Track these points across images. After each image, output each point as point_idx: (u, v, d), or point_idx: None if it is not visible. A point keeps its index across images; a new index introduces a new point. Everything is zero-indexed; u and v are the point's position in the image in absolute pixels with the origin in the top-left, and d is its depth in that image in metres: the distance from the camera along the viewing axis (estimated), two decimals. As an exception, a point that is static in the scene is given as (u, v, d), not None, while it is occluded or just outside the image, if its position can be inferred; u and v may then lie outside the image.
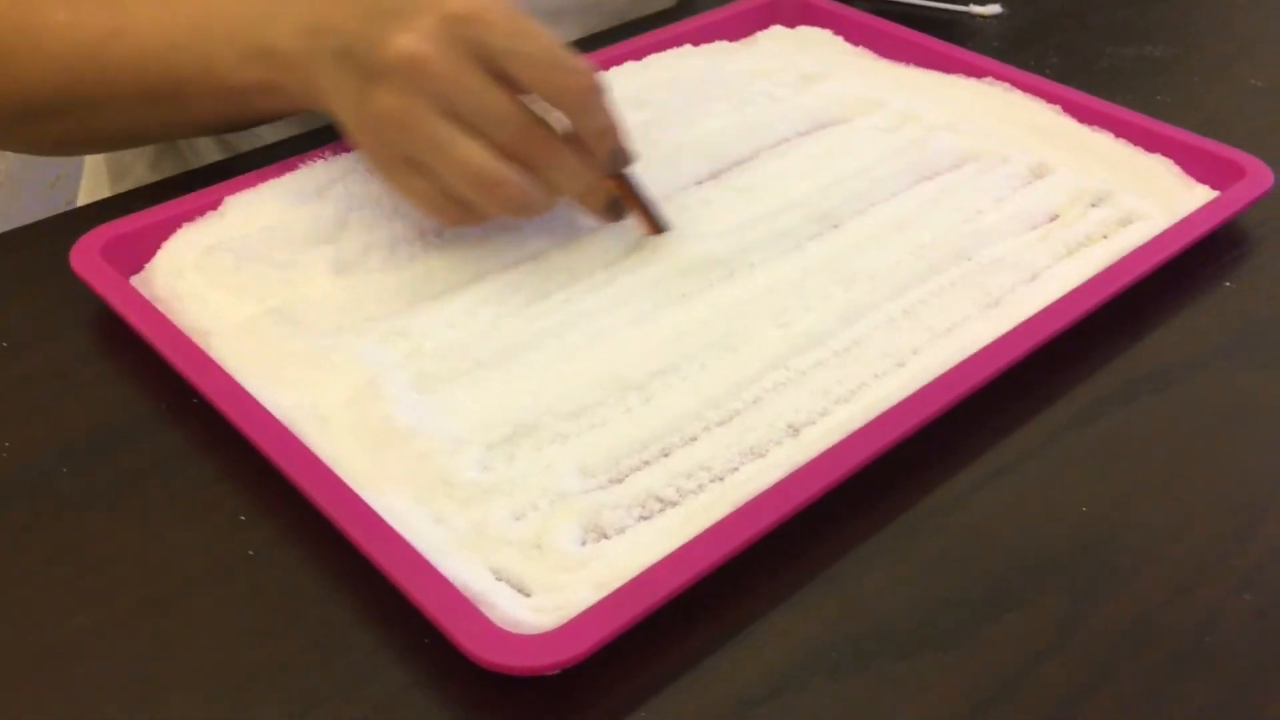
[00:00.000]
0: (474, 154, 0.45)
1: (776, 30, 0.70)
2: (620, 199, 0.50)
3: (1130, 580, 0.39)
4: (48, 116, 0.57)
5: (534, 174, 0.47)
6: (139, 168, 0.71)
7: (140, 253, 0.51)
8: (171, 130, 0.59)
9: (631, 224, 0.51)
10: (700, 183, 0.56)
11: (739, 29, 0.69)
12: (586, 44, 0.68)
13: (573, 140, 0.47)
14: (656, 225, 0.51)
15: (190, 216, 0.52)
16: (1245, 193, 0.54)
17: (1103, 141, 0.59)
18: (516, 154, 0.46)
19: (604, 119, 0.47)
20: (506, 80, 0.45)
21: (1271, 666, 0.36)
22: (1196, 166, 0.57)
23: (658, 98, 0.62)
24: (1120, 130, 0.59)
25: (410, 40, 0.44)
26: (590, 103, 0.46)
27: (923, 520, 0.41)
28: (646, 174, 0.55)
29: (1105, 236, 0.53)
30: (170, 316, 0.47)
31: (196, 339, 0.46)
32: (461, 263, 0.50)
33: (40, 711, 0.35)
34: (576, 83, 0.46)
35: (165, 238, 0.51)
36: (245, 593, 0.38)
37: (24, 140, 0.60)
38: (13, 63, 0.55)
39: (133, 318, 0.46)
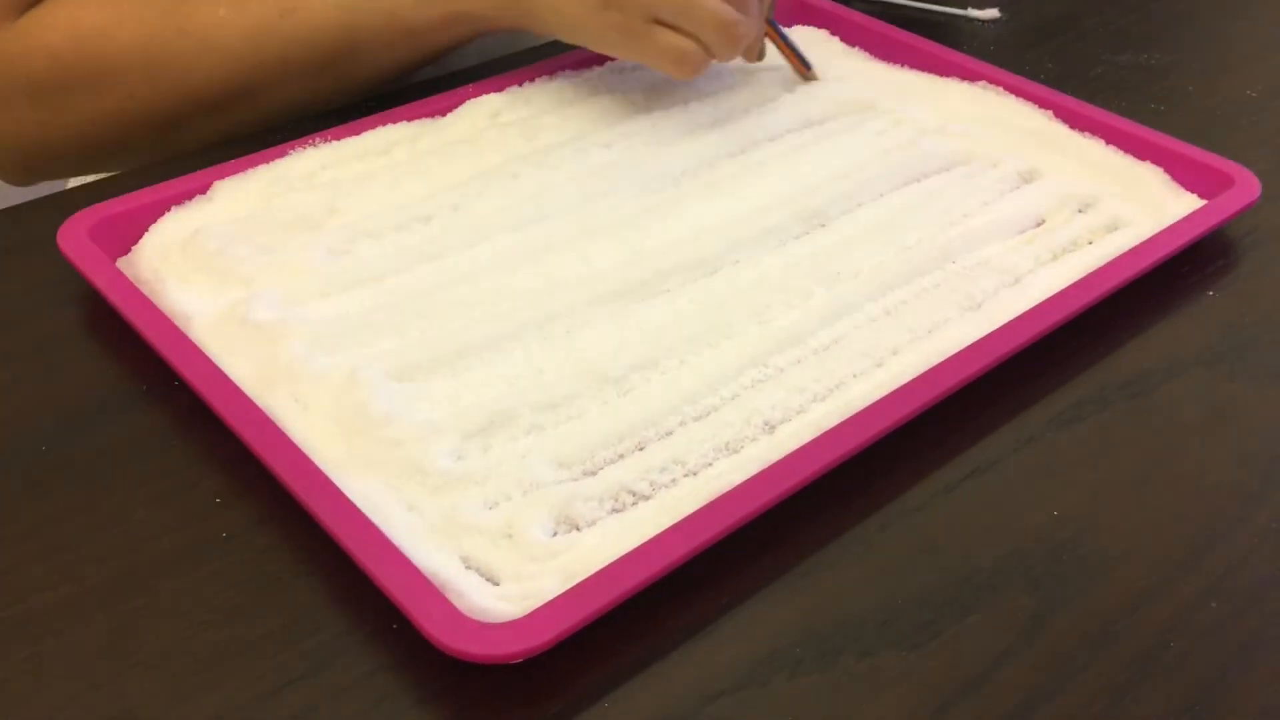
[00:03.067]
0: (712, 3, 0.55)
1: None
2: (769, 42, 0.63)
3: (1096, 584, 0.39)
4: (216, 111, 0.59)
5: (746, 17, 0.56)
6: None
7: (127, 235, 0.51)
8: (340, 93, 0.61)
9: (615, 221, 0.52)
10: (688, 179, 0.56)
11: (735, 27, 0.69)
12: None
13: None
14: (803, 65, 0.63)
15: (179, 200, 0.52)
16: (1232, 202, 0.54)
17: (1093, 148, 0.59)
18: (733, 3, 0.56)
19: None
20: None
21: (1234, 675, 0.36)
22: (1186, 175, 0.57)
23: (644, 95, 0.62)
24: (1111, 137, 0.59)
25: None
26: None
27: (893, 520, 0.41)
28: (635, 169, 0.56)
29: (1091, 242, 0.53)
30: (154, 299, 0.47)
31: (179, 322, 0.46)
32: (447, 253, 0.50)
33: (7, 684, 0.35)
34: None
35: (153, 220, 0.51)
36: (217, 573, 0.38)
37: (191, 138, 0.61)
38: (183, 65, 0.58)
39: (116, 299, 0.46)
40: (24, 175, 0.64)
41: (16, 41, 0.58)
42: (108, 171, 0.65)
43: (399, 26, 0.58)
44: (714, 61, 0.58)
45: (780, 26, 0.63)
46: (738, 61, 0.63)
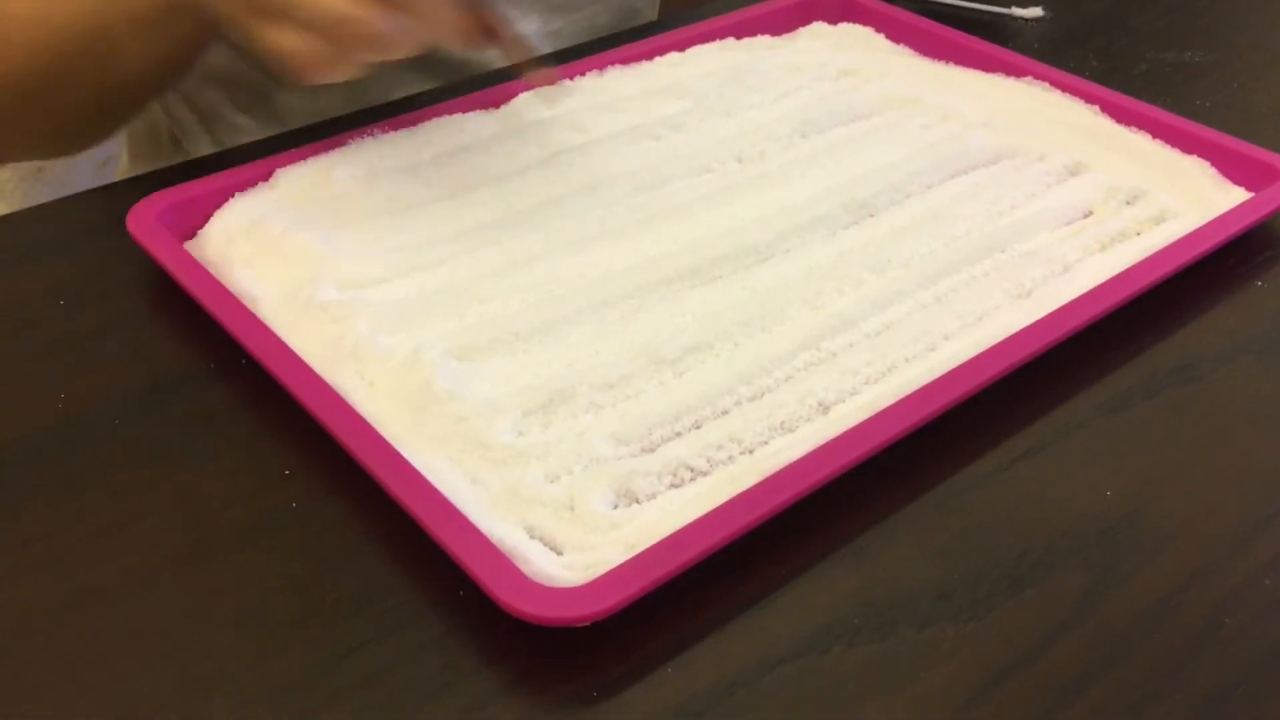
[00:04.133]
0: None
1: (818, 26, 0.71)
2: (487, 32, 0.51)
3: (1150, 562, 0.39)
4: (21, 104, 0.59)
5: (393, 14, 0.47)
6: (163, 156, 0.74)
7: (194, 219, 0.52)
8: (125, 86, 0.60)
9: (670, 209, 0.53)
10: (738, 171, 0.57)
11: (782, 24, 0.70)
12: (629, 36, 0.70)
13: None
14: (528, 52, 0.53)
15: (243, 187, 0.54)
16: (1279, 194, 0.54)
17: (1139, 142, 0.60)
18: None
19: None
20: None
21: (1288, 650, 0.37)
22: (1232, 168, 0.57)
23: (698, 88, 0.63)
24: (1157, 131, 0.60)
25: None
26: None
27: (948, 498, 0.42)
28: (688, 160, 0.57)
29: (1139, 233, 0.54)
30: (221, 280, 0.48)
31: (245, 302, 0.47)
32: (503, 240, 0.51)
33: (85, 649, 0.36)
34: None
35: (218, 206, 0.53)
36: (287, 543, 0.40)
37: (6, 137, 0.62)
38: None
39: (185, 279, 0.48)
40: None
41: None
42: None
43: (132, 17, 0.55)
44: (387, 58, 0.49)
45: (497, 11, 0.52)
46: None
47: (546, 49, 0.70)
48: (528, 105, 0.60)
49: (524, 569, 0.36)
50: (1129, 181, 0.57)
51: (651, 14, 0.81)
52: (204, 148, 0.71)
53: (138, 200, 0.51)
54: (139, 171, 0.76)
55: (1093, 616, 0.38)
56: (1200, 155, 0.58)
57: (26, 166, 1.08)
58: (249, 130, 0.70)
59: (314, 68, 0.48)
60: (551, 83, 0.55)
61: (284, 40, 0.47)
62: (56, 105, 0.60)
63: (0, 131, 0.62)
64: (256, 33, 0.48)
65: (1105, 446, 0.44)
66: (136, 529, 0.40)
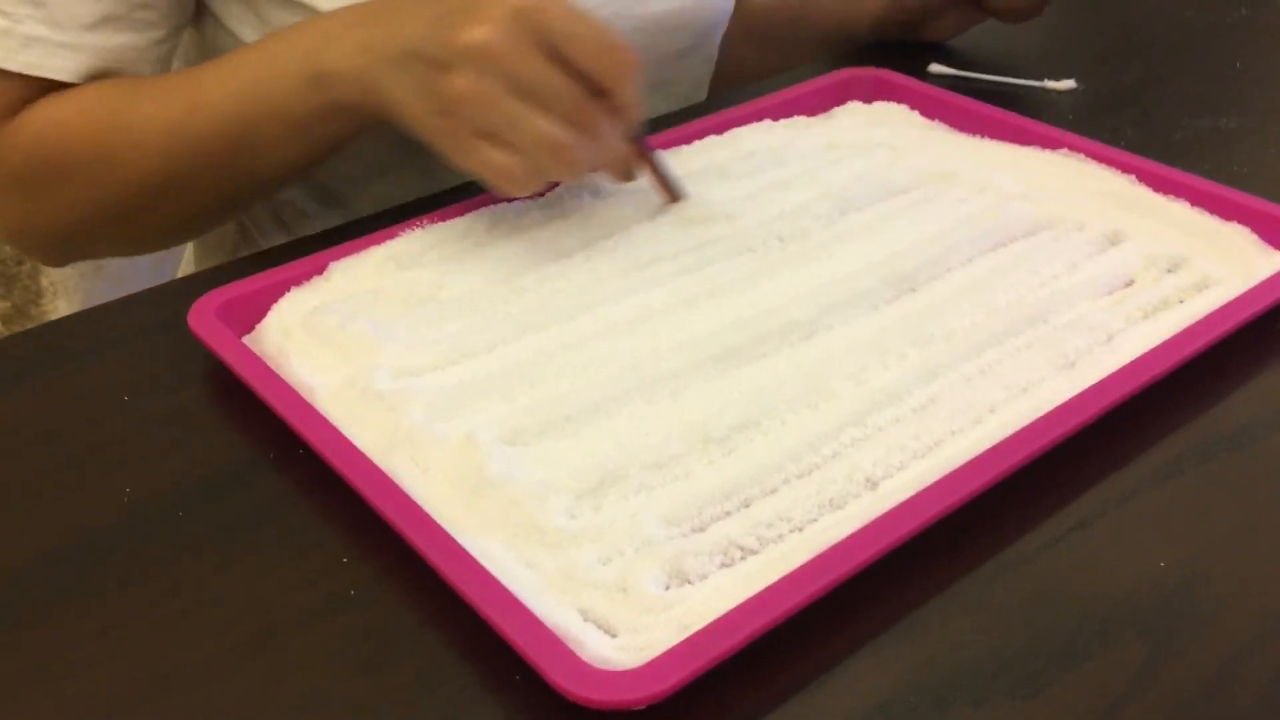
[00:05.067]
0: (544, 123, 0.51)
1: (853, 105, 0.72)
2: (638, 164, 0.58)
3: (1209, 631, 0.39)
4: (151, 204, 0.63)
5: (584, 140, 0.53)
6: (228, 247, 0.77)
7: (251, 314, 0.54)
8: (252, 189, 0.64)
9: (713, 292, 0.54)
10: (779, 250, 0.58)
11: (817, 104, 0.72)
12: (667, 121, 0.71)
13: (606, 109, 0.53)
14: (672, 191, 0.59)
15: (298, 280, 0.55)
16: (1322, 258, 0.54)
17: (1178, 210, 0.60)
18: (572, 123, 0.52)
19: (635, 92, 0.54)
20: (563, 62, 0.52)
21: (1355, 720, 0.36)
22: (1274, 233, 0.57)
23: (738, 169, 0.64)
24: (1195, 198, 0.60)
25: (482, 31, 0.51)
26: (628, 76, 0.53)
27: (1001, 571, 0.42)
28: (731, 241, 0.58)
29: (1181, 301, 0.54)
30: (278, 372, 0.49)
31: (303, 393, 0.48)
32: (551, 324, 0.52)
33: (156, 736, 0.37)
34: (621, 58, 0.53)
35: (274, 300, 0.54)
36: (346, 630, 0.40)
37: (131, 235, 0.66)
38: (119, 159, 0.62)
39: (244, 372, 0.49)
40: (42, 255, 0.70)
41: (4, 140, 0.63)
42: (97, 256, 0.74)
43: (285, 120, 0.59)
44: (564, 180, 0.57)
45: (655, 150, 0.59)
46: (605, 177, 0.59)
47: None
48: (570, 192, 0.61)
49: (579, 652, 0.37)
50: (1169, 249, 0.57)
51: (701, 95, 0.83)
52: (272, 236, 0.73)
53: (197, 297, 0.53)
54: (201, 263, 0.78)
55: (1153, 687, 0.37)
56: (1240, 221, 0.58)
57: (87, 262, 1.12)
58: (315, 217, 0.72)
59: (520, 184, 0.53)
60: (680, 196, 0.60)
61: (496, 158, 0.52)
62: (182, 205, 0.64)
63: (115, 229, 0.65)
64: (469, 149, 0.53)
65: (1158, 515, 0.44)
66: (202, 618, 0.41)
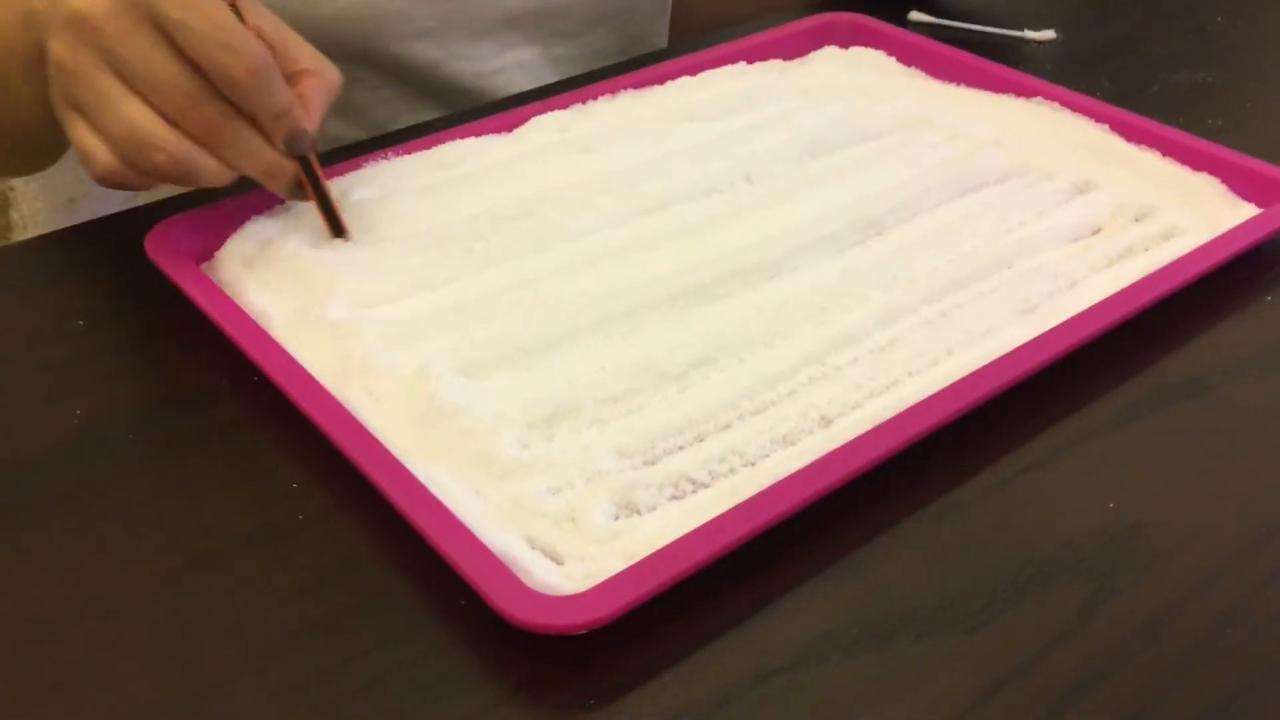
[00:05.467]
0: (134, 112, 0.46)
1: (830, 50, 0.72)
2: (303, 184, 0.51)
3: (1151, 573, 0.39)
4: None
5: (207, 147, 0.47)
6: None
7: (210, 242, 0.53)
8: (27, 131, 0.58)
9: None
10: (746, 191, 0.58)
11: (794, 48, 0.71)
12: (642, 61, 0.71)
13: (239, 112, 0.48)
14: (333, 225, 0.52)
15: (258, 210, 0.55)
16: (1289, 210, 0.54)
17: (1149, 160, 0.60)
18: (185, 124, 0.47)
19: (276, 101, 0.48)
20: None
21: (1291, 661, 0.37)
22: (1242, 184, 0.57)
23: (710, 111, 0.63)
24: (1167, 149, 0.60)
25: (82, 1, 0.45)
26: (258, 85, 0.47)
27: (948, 511, 0.42)
28: (698, 181, 0.57)
29: (1146, 249, 0.54)
30: (235, 300, 0.49)
31: (258, 320, 0.48)
32: (509, 259, 0.52)
33: (87, 658, 0.37)
34: (242, 64, 0.46)
35: (234, 229, 0.54)
36: (291, 555, 0.40)
37: None
38: None
39: (200, 298, 0.49)
40: None
41: None
42: None
43: (16, 58, 0.53)
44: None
45: (320, 179, 0.51)
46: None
47: (551, 77, 0.71)
48: (540, 128, 0.61)
49: (524, 579, 0.37)
50: (1138, 198, 0.57)
51: (661, 41, 0.82)
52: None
53: (157, 223, 0.52)
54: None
55: (1092, 627, 0.37)
56: (1210, 172, 0.58)
57: (59, 197, 1.11)
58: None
59: (106, 172, 0.48)
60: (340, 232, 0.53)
61: (84, 138, 0.47)
62: None
63: None
64: (65, 120, 0.48)
65: (1110, 460, 0.44)
66: (144, 539, 0.41)
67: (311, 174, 0.51)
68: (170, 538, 0.41)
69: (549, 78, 0.73)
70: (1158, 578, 0.39)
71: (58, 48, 0.47)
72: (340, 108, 0.61)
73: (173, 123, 0.47)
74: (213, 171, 0.48)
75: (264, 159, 0.49)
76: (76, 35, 0.46)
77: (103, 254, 0.55)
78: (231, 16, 0.47)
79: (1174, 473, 0.44)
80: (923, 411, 0.43)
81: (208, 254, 0.53)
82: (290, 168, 0.50)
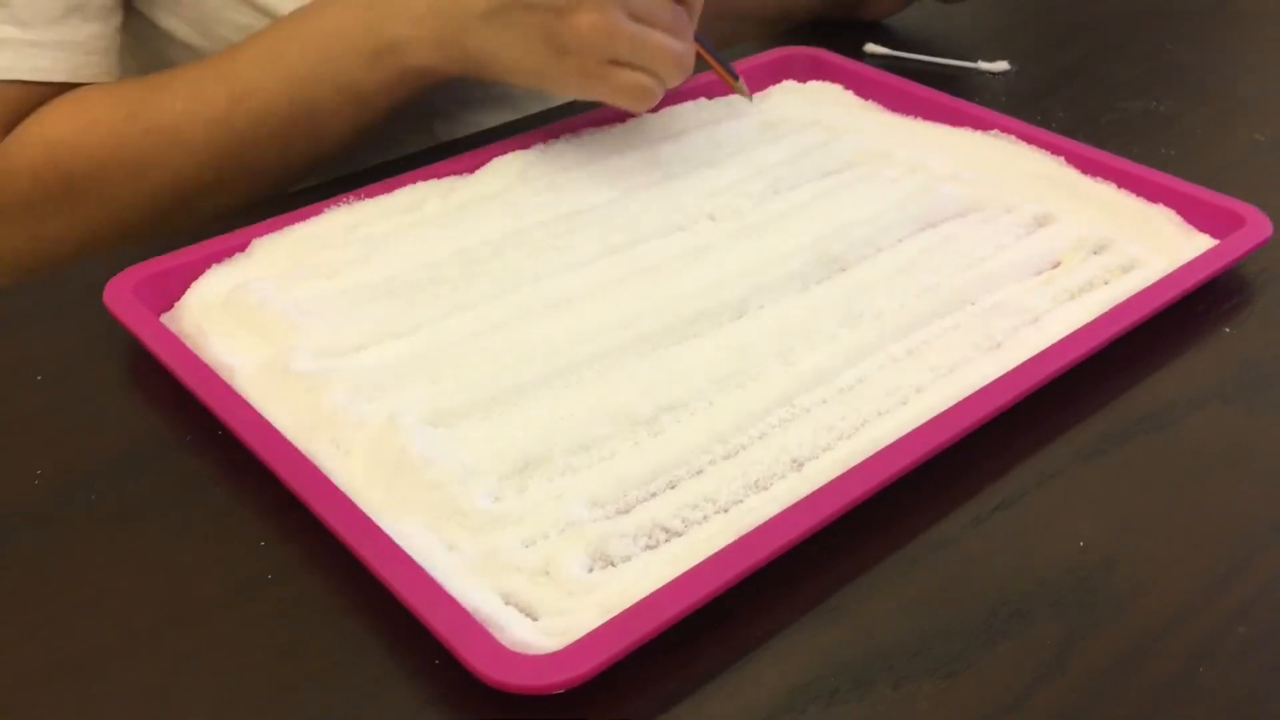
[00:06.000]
0: (661, 38, 0.57)
1: (789, 84, 0.72)
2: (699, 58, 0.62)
3: (1125, 610, 0.39)
4: (202, 196, 0.62)
5: (686, 44, 0.59)
6: None
7: (170, 291, 0.53)
8: (309, 167, 0.64)
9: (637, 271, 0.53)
10: (709, 229, 0.58)
11: (752, 83, 0.71)
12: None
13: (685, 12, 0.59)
14: (731, 75, 0.65)
15: (219, 257, 0.54)
16: (1244, 241, 0.55)
17: (1105, 192, 0.60)
18: (675, 31, 0.58)
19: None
20: None
21: (1264, 696, 0.37)
22: (1198, 216, 0.58)
23: (670, 148, 0.64)
24: (1123, 181, 0.60)
25: None
26: None
27: (922, 553, 0.42)
28: (662, 219, 0.58)
29: (1107, 282, 0.54)
30: (197, 352, 0.48)
31: (222, 374, 0.47)
32: (477, 304, 0.52)
33: (63, 725, 0.36)
34: None
35: (195, 277, 0.53)
36: (263, 614, 0.39)
37: (183, 220, 0.63)
38: (153, 163, 0.60)
39: (161, 352, 0.48)
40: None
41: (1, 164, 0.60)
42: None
43: (350, 94, 0.60)
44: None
45: (706, 41, 0.63)
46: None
47: (511, 114, 0.71)
48: (500, 171, 0.61)
49: (499, 636, 0.36)
50: (1096, 231, 0.57)
51: None
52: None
53: (116, 273, 0.52)
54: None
55: (1069, 667, 0.38)
56: (1166, 204, 0.59)
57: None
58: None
59: (652, 97, 0.59)
60: (746, 94, 0.67)
61: (630, 79, 0.58)
62: (229, 196, 0.62)
63: (168, 223, 0.62)
64: (601, 78, 0.58)
65: (1079, 495, 0.44)
66: (113, 601, 0.40)
67: (702, 43, 0.63)
68: (139, 599, 0.40)
69: (508, 115, 0.73)
70: (1131, 616, 0.39)
71: (585, 19, 0.56)
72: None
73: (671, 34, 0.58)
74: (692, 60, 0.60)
75: (688, 49, 0.60)
76: (600, 5, 0.56)
77: (61, 305, 0.54)
78: None
79: (1142, 507, 0.44)
80: (894, 454, 0.43)
81: (169, 304, 0.52)
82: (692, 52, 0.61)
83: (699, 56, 0.62)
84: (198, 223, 0.62)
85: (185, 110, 0.60)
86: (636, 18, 0.57)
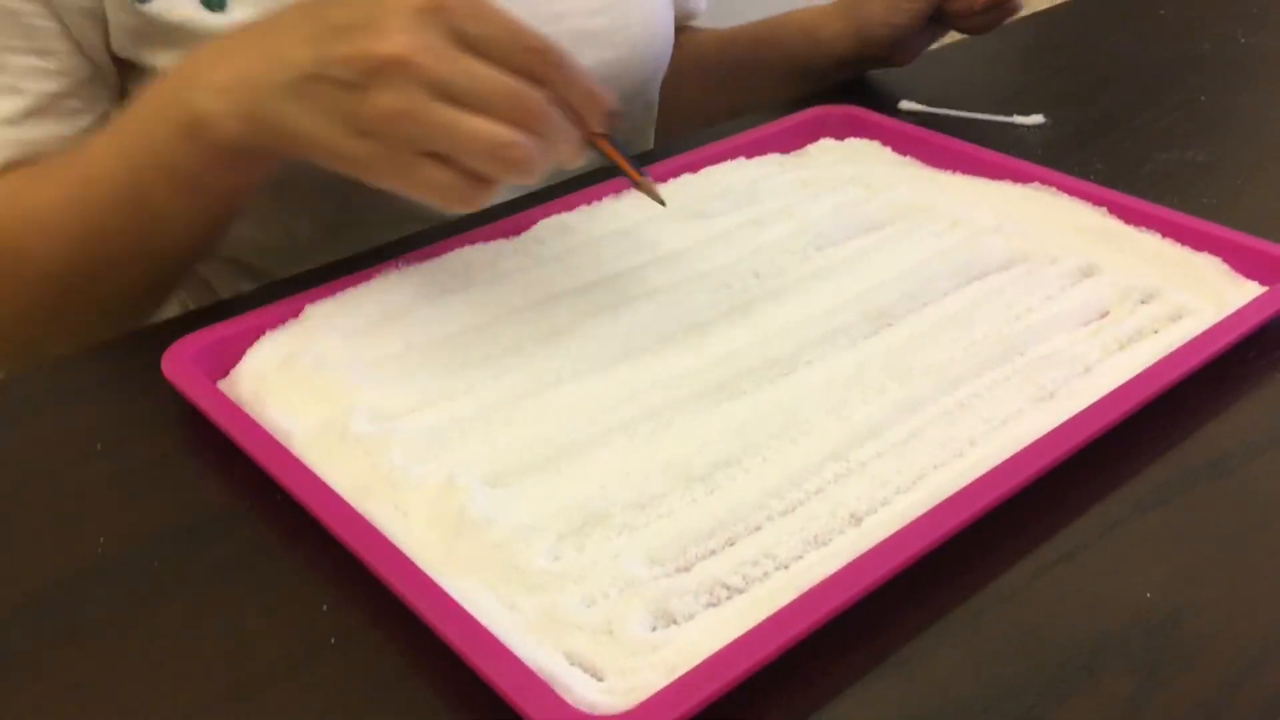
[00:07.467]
0: (483, 124, 0.46)
1: (826, 143, 0.73)
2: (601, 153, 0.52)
3: (1195, 662, 0.39)
4: (68, 294, 0.59)
5: (534, 135, 0.47)
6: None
7: (226, 359, 0.53)
8: (168, 254, 0.59)
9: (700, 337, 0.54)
10: (756, 286, 0.58)
11: (790, 142, 0.72)
12: (642, 160, 0.71)
13: (552, 99, 0.48)
14: (649, 192, 0.54)
15: (273, 324, 0.55)
16: (1293, 287, 0.55)
17: (1150, 241, 0.60)
18: (519, 122, 0.47)
19: (586, 82, 0.49)
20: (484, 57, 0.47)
21: (1345, 748, 0.36)
22: (1244, 263, 0.58)
23: (713, 207, 0.64)
24: (1167, 230, 0.61)
25: (393, 41, 0.46)
26: (565, 72, 0.48)
27: (986, 607, 0.41)
28: (706, 280, 0.58)
29: (1156, 331, 0.54)
30: (254, 418, 0.49)
31: (279, 439, 0.48)
32: (530, 364, 0.52)
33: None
34: (546, 57, 0.48)
35: (250, 344, 0.54)
36: (327, 678, 0.40)
37: (58, 331, 0.60)
38: (25, 254, 0.58)
39: (219, 418, 0.48)
40: None
41: None
42: (34, 357, 0.62)
43: (174, 175, 0.54)
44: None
45: (618, 142, 0.53)
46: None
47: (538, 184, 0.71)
48: (547, 232, 0.61)
49: (565, 696, 0.36)
50: (1143, 281, 0.57)
51: (646, 143, 0.83)
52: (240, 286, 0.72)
53: (170, 342, 0.52)
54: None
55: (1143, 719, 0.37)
56: (1211, 252, 0.59)
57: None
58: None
59: (467, 198, 0.48)
60: (656, 197, 0.56)
61: (436, 175, 0.47)
62: (105, 288, 0.59)
63: (49, 326, 0.60)
64: (404, 170, 0.48)
65: (1142, 545, 0.44)
66: (179, 668, 0.40)
67: (616, 146, 0.52)
68: (202, 668, 0.40)
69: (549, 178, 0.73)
70: (1204, 666, 0.39)
71: (382, 99, 0.46)
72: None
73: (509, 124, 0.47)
74: (544, 158, 0.48)
75: (575, 138, 0.50)
76: (398, 78, 0.46)
77: (118, 375, 0.55)
78: (515, 16, 0.48)
79: (1207, 556, 0.44)
80: (953, 508, 0.43)
81: (224, 371, 0.53)
82: (599, 144, 0.51)
83: (601, 150, 0.52)
84: (89, 315, 0.59)
85: (50, 195, 0.57)
86: (455, 98, 0.46)
